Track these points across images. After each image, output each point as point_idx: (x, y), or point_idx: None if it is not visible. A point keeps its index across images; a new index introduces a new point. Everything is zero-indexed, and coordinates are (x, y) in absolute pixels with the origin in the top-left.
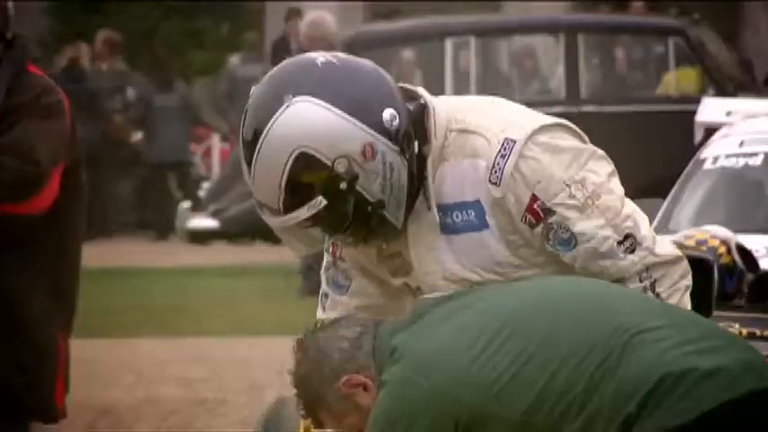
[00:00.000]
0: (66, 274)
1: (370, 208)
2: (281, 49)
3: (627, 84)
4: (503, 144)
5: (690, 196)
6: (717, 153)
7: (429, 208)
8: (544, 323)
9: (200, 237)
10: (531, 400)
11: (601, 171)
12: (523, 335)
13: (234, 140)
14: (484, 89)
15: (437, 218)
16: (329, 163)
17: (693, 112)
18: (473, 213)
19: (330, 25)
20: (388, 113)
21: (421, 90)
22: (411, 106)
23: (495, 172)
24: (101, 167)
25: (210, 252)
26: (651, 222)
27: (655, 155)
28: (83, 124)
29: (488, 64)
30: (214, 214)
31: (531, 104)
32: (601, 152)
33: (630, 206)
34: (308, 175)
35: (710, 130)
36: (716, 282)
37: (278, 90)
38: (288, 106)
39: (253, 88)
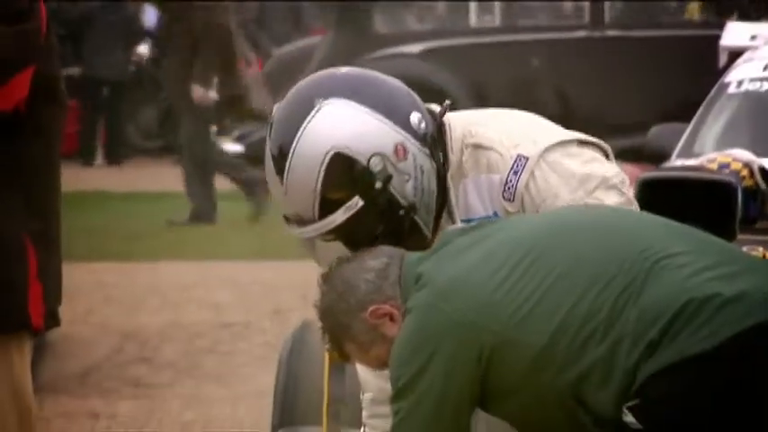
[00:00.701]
0: (41, 186)
1: (402, 211)
2: None
3: (650, 8)
4: (516, 160)
5: (714, 120)
6: (741, 77)
7: (453, 222)
8: (567, 250)
9: None
10: (554, 326)
11: (607, 201)
12: (547, 262)
13: (260, 66)
14: (508, 15)
15: None
16: (364, 162)
17: (717, 37)
18: None
19: None
20: (415, 116)
21: (434, 106)
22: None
23: (509, 188)
24: (126, 93)
25: None
26: (675, 147)
27: (678, 79)
28: (119, 50)
29: None
30: (239, 139)
31: (555, 30)
32: (614, 181)
33: None
34: (343, 176)
35: (734, 55)
36: (739, 205)
37: (307, 96)
38: (319, 109)
39: (275, 107)
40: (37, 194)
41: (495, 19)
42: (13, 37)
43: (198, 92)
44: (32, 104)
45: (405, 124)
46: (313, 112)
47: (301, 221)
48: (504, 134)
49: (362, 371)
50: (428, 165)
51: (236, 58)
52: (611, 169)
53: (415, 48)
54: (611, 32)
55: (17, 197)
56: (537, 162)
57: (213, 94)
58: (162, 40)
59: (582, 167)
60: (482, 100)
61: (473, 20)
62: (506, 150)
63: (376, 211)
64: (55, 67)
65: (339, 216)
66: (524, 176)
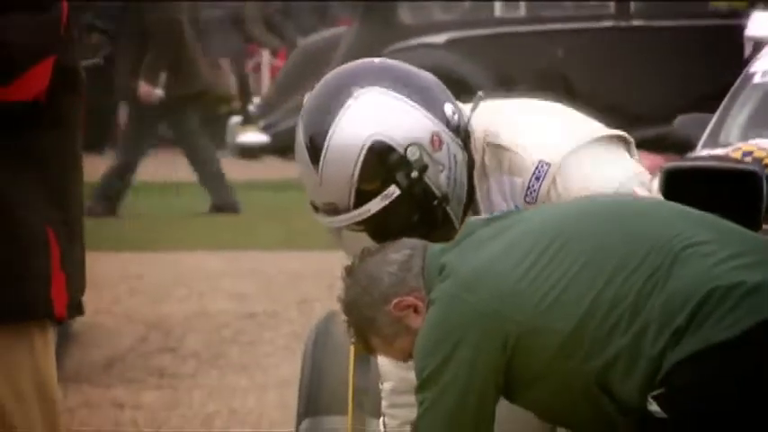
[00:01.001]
0: (61, 174)
1: (435, 202)
2: None
3: None
4: (537, 166)
5: (739, 111)
6: (766, 67)
7: None
8: (593, 238)
9: (250, 151)
10: (580, 314)
11: None
12: (572, 250)
13: (285, 56)
14: (533, 6)
15: None
16: (402, 150)
17: (743, 27)
18: None
19: None
20: (449, 108)
21: (457, 103)
22: None
23: (531, 192)
24: None
25: (261, 166)
26: (701, 136)
27: (704, 69)
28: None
29: None
30: (264, 129)
31: (579, 19)
32: (632, 183)
33: None
34: (381, 164)
35: (760, 44)
36: (765, 194)
37: (343, 85)
38: (357, 97)
39: (306, 96)
40: (58, 184)
41: (521, 10)
42: (33, 27)
43: (143, 88)
44: (52, 95)
45: (440, 115)
46: (350, 100)
47: (334, 211)
48: (527, 137)
49: (383, 361)
50: (461, 156)
51: (186, 54)
52: (631, 168)
53: (439, 38)
54: (637, 22)
55: (38, 188)
56: (558, 168)
57: (159, 92)
58: (115, 35)
59: (602, 170)
60: (507, 90)
61: (498, 11)
62: (528, 155)
63: (411, 201)
64: (74, 58)
65: (375, 205)
66: (546, 183)
